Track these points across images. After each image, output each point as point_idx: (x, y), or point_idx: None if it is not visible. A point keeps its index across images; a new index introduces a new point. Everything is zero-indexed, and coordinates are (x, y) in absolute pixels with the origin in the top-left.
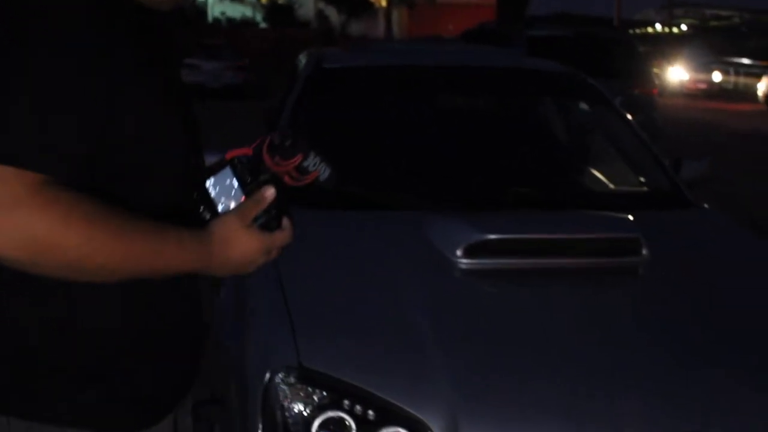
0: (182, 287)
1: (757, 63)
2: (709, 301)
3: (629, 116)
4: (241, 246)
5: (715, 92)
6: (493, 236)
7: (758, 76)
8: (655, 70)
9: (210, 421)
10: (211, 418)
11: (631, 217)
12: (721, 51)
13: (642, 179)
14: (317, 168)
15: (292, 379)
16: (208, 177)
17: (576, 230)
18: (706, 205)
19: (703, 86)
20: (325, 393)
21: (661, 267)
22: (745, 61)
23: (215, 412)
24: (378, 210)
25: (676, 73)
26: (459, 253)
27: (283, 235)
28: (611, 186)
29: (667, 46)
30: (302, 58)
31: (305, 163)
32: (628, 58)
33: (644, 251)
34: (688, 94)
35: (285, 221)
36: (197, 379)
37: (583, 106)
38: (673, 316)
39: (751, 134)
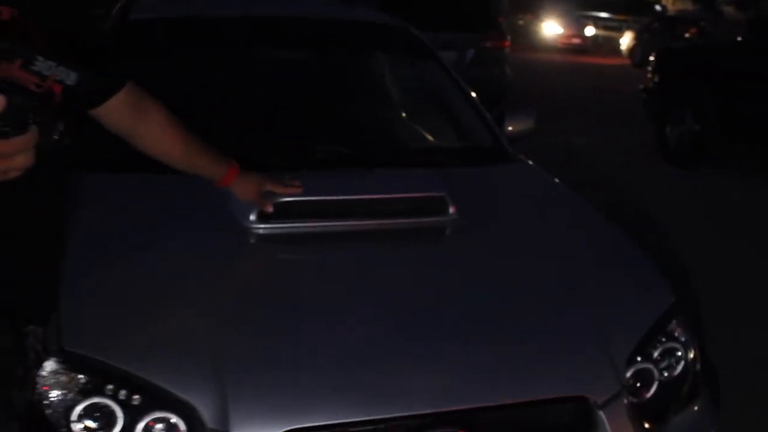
0: None
1: (615, 17)
2: (511, 263)
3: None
4: None
5: (589, 47)
6: (286, 199)
7: (618, 30)
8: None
9: None
10: None
11: (438, 175)
12: (584, 5)
13: (464, 134)
14: (55, 72)
15: (52, 365)
16: None
17: (378, 190)
18: (527, 160)
19: (577, 41)
20: (87, 377)
21: (468, 226)
22: (604, 15)
23: None
24: (175, 173)
25: (550, 28)
26: (252, 218)
27: (21, 140)
28: (432, 142)
29: None
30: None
31: (34, 67)
32: (481, 10)
33: (450, 210)
34: (563, 49)
35: (33, 128)
36: None
37: (406, 59)
38: (469, 280)
39: (603, 88)
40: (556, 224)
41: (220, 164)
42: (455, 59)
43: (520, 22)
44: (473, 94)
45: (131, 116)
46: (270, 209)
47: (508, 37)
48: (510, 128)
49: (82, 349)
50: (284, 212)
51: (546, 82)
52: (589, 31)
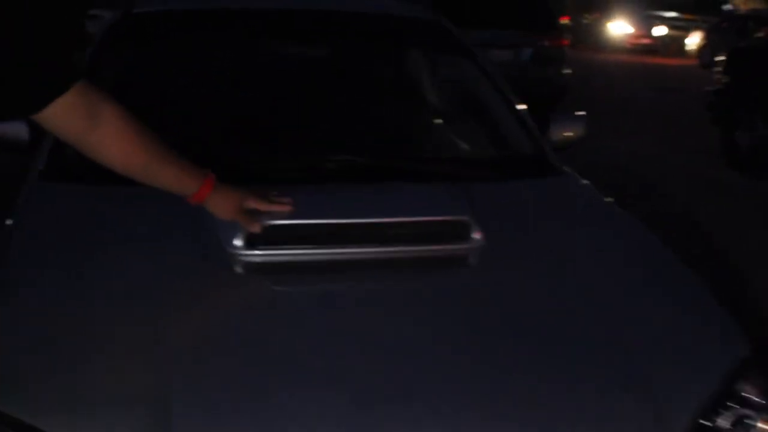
0: None
1: (682, 16)
2: (545, 303)
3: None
4: None
5: (658, 48)
6: (275, 222)
7: (686, 30)
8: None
9: None
10: None
11: (463, 192)
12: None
13: (501, 142)
14: None
15: None
16: None
17: (388, 210)
18: (573, 173)
19: (646, 41)
20: None
21: (496, 256)
22: (671, 14)
23: None
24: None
25: (618, 27)
26: (238, 243)
27: None
28: (463, 151)
29: None
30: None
31: None
32: (539, 8)
33: (475, 235)
34: (631, 49)
35: None
36: None
37: (437, 56)
38: (493, 326)
39: (667, 90)
40: (602, 255)
41: (191, 177)
42: (511, 58)
43: (586, 21)
44: (514, 97)
45: (81, 122)
46: (257, 229)
47: (568, 37)
48: (556, 135)
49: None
50: (272, 237)
51: (608, 83)
52: (659, 30)
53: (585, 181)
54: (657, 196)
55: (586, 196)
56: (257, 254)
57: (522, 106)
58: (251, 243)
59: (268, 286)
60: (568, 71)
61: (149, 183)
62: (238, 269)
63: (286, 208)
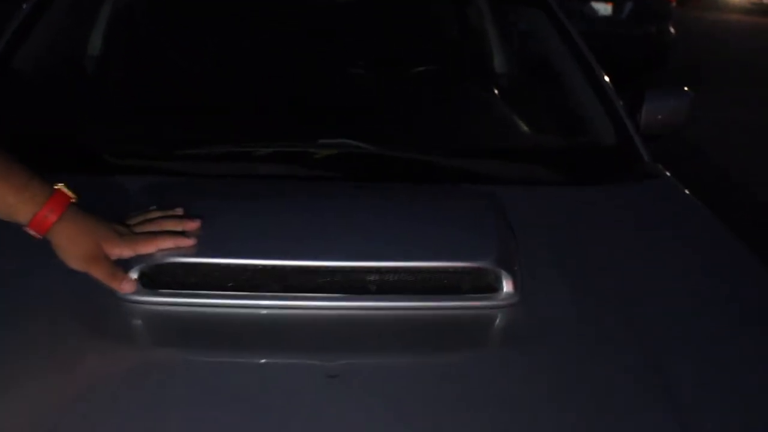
0: None
1: None
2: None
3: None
4: None
5: None
6: (181, 259)
7: None
8: None
9: None
10: None
11: (496, 211)
12: None
13: (574, 126)
14: None
15: None
16: None
17: (372, 250)
18: (666, 174)
19: None
20: None
21: (532, 320)
22: None
23: None
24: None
25: None
26: (126, 285)
27: None
28: (516, 137)
29: None
30: None
31: None
32: None
33: (506, 287)
34: (753, 9)
35: None
36: None
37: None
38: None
39: None
40: (693, 321)
41: (24, 197)
42: (610, 13)
43: None
44: (597, 66)
45: None
46: (126, 287)
47: None
48: (650, 119)
49: None
50: (178, 279)
51: (719, 47)
52: None
53: (685, 191)
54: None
55: (685, 214)
56: (158, 302)
57: (606, 79)
58: (150, 284)
59: (172, 353)
60: (672, 31)
61: None
62: (130, 324)
63: (183, 244)
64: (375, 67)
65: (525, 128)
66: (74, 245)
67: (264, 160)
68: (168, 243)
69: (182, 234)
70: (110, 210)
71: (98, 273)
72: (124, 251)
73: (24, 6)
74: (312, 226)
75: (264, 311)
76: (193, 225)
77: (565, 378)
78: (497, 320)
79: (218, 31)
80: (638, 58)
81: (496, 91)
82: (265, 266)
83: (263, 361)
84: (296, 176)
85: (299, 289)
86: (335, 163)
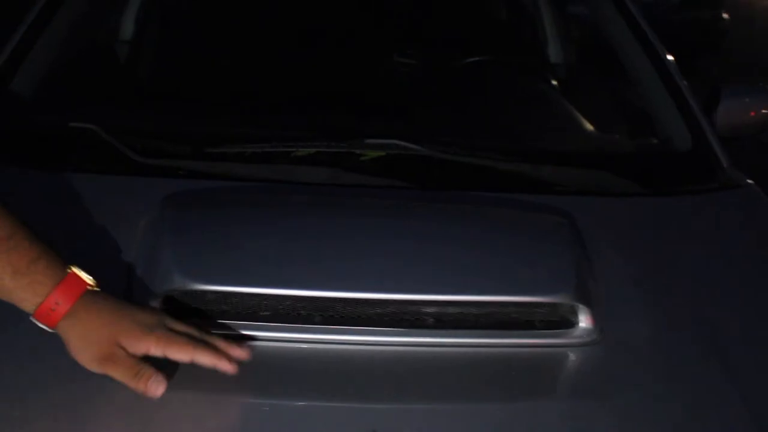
0: None
1: None
2: None
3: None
4: None
5: None
6: (206, 287)
7: None
8: None
9: None
10: None
11: (573, 237)
12: None
13: (644, 128)
14: None
15: None
16: None
17: (428, 283)
18: (749, 182)
19: None
20: None
21: (616, 359)
22: None
23: None
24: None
25: None
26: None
27: None
28: (589, 135)
29: None
30: None
31: None
32: None
33: (584, 323)
34: None
35: None
36: None
37: None
38: None
39: None
40: None
41: (22, 282)
42: None
43: None
44: (670, 61)
45: None
46: (152, 390)
47: None
48: (727, 119)
49: None
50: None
51: None
52: None
53: None
54: None
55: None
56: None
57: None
58: (175, 312)
59: (192, 393)
60: (726, 17)
61: None
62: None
63: (223, 367)
64: (423, 56)
65: (589, 128)
66: (87, 344)
67: (304, 162)
68: (206, 358)
69: (224, 356)
70: (126, 219)
71: (117, 375)
72: (151, 349)
73: None
74: (360, 250)
75: (303, 345)
76: (242, 354)
77: None
78: (573, 360)
79: (256, 17)
80: (692, 44)
81: (554, 83)
82: (306, 296)
83: (300, 403)
84: (340, 183)
85: (344, 321)
86: (383, 167)
